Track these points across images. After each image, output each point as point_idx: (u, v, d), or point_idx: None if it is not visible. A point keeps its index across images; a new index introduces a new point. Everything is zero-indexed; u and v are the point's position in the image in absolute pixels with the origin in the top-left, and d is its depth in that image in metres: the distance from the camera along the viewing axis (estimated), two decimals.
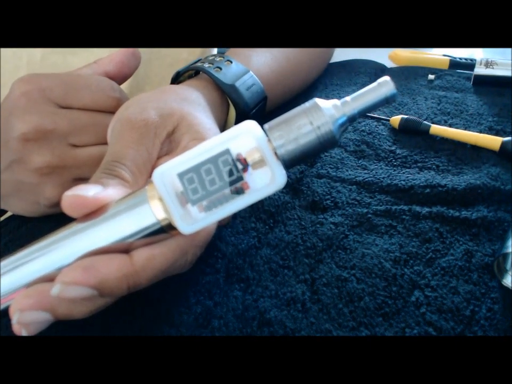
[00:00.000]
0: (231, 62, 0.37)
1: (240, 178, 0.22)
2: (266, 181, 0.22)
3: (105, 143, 0.31)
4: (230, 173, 0.22)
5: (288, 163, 0.22)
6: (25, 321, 0.22)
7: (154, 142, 0.27)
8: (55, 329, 0.25)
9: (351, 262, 0.29)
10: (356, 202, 0.34)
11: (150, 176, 0.27)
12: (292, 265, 0.29)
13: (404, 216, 0.32)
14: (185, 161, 0.22)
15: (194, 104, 0.31)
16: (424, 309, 0.26)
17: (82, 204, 0.22)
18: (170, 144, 0.28)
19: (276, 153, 0.22)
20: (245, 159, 0.22)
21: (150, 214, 0.22)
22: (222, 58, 0.37)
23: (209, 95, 0.34)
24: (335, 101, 0.23)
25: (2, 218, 0.37)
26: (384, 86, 0.22)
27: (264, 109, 0.39)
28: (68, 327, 0.26)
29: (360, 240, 0.31)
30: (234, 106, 0.36)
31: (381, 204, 0.33)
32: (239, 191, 0.22)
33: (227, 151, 0.22)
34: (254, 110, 0.37)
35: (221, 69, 0.36)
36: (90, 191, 0.22)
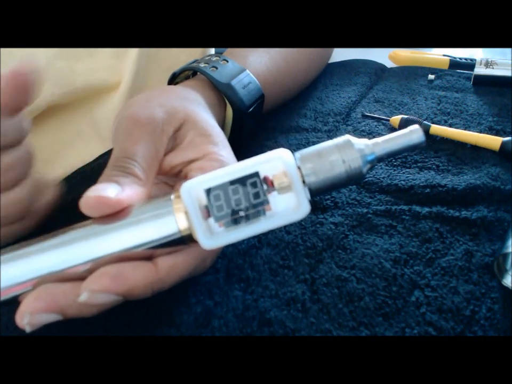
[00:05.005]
0: (227, 61, 0.37)
1: (266, 202, 0.22)
2: (288, 207, 0.23)
3: None
4: (256, 195, 0.22)
5: (314, 192, 0.23)
6: (35, 323, 0.22)
7: (162, 138, 0.27)
8: (56, 329, 0.25)
9: (351, 262, 0.29)
10: (356, 202, 0.34)
11: (157, 173, 0.27)
12: (292, 265, 0.29)
13: (404, 216, 0.32)
14: (214, 179, 0.22)
15: (195, 103, 0.31)
16: (424, 309, 0.26)
17: (105, 205, 0.22)
18: (175, 140, 0.28)
19: (304, 181, 0.23)
20: (272, 182, 0.22)
21: (174, 226, 0.23)
22: (218, 57, 0.37)
23: (206, 95, 0.34)
24: (366, 141, 0.24)
25: None
26: (414, 133, 0.24)
27: (261, 107, 0.39)
28: (68, 327, 0.26)
29: (360, 240, 0.31)
30: (231, 104, 0.36)
31: (381, 203, 0.33)
32: (261, 213, 0.22)
33: (256, 174, 0.22)
34: (251, 109, 0.37)
35: (216, 68, 0.36)
36: (110, 192, 0.22)
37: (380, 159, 0.24)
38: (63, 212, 0.35)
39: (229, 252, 0.31)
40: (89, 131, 0.39)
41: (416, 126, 0.24)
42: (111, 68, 0.38)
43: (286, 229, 0.32)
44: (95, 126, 0.39)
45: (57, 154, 0.39)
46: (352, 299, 0.27)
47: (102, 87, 0.38)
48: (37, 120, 0.37)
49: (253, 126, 0.39)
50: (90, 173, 0.37)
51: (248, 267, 0.30)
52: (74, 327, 0.26)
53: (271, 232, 0.32)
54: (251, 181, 0.22)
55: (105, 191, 0.22)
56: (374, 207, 0.33)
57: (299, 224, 0.32)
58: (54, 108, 0.37)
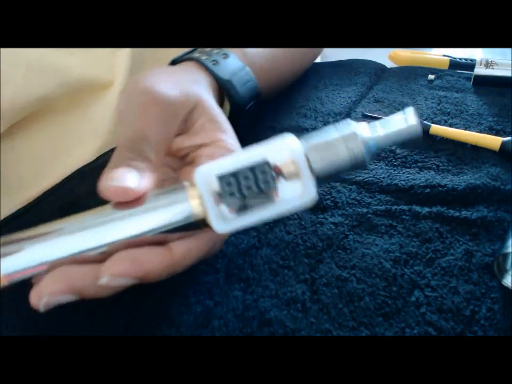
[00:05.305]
0: (227, 55, 0.37)
1: (274, 188, 0.23)
2: (296, 193, 0.24)
3: None
4: (265, 182, 0.23)
5: (321, 179, 0.24)
6: (53, 304, 0.22)
7: (175, 121, 0.27)
8: (55, 330, 0.25)
9: (351, 262, 0.29)
10: (356, 202, 0.34)
11: (166, 154, 0.27)
12: (292, 265, 0.29)
13: (404, 216, 0.32)
14: (226, 165, 0.23)
15: (203, 86, 0.31)
16: (424, 309, 0.26)
17: (125, 194, 0.23)
18: (185, 123, 0.29)
19: (311, 168, 0.24)
20: (280, 169, 0.23)
21: (189, 211, 0.24)
22: (218, 51, 0.37)
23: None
24: (367, 130, 0.25)
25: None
26: (413, 128, 0.25)
27: (256, 106, 0.39)
28: (68, 327, 0.26)
29: (360, 240, 0.31)
30: (230, 101, 0.36)
31: (380, 203, 0.33)
32: (270, 199, 0.23)
33: (266, 162, 0.23)
34: (248, 106, 0.37)
35: (217, 62, 0.36)
36: (131, 181, 0.23)
37: (380, 147, 0.25)
38: (63, 214, 0.35)
39: (229, 252, 0.31)
40: (86, 131, 0.39)
41: (414, 120, 0.25)
42: (105, 62, 0.38)
43: (286, 229, 0.32)
44: (91, 125, 0.39)
45: (55, 155, 0.38)
46: (352, 299, 0.27)
47: (96, 83, 0.38)
48: (33, 121, 0.37)
49: (248, 125, 0.39)
50: (89, 174, 0.37)
51: (248, 267, 0.30)
52: (74, 327, 0.26)
53: (271, 232, 0.32)
54: (261, 168, 0.23)
55: (125, 180, 0.23)
56: (374, 207, 0.33)
57: (299, 224, 0.32)
58: (49, 108, 0.37)
